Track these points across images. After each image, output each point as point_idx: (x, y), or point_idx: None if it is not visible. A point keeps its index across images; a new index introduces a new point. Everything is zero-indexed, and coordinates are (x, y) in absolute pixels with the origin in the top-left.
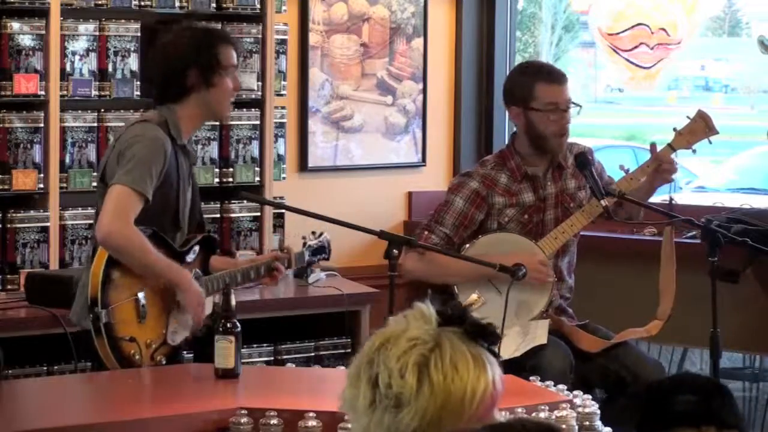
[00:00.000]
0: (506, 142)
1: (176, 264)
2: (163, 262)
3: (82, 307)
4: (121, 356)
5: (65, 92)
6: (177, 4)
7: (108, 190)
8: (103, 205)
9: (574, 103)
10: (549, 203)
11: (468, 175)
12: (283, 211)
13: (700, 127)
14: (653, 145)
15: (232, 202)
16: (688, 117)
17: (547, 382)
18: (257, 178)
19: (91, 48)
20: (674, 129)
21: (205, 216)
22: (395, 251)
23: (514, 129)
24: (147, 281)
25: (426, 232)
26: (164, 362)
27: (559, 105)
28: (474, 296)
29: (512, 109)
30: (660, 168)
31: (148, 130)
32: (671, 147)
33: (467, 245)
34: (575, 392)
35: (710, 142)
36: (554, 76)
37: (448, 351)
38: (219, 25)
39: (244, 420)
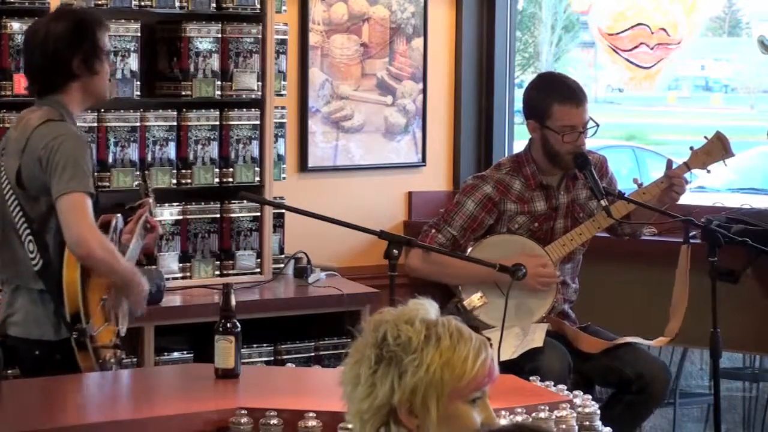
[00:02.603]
0: (506, 142)
1: (128, 262)
2: (126, 264)
3: (41, 319)
4: (100, 365)
5: None
6: (177, 4)
7: (63, 202)
8: (64, 218)
9: (592, 119)
10: (560, 212)
11: (482, 179)
12: (283, 211)
13: (717, 149)
14: (669, 161)
15: (232, 202)
16: (705, 137)
17: (547, 382)
18: (257, 178)
19: None
20: (691, 148)
21: (205, 216)
22: (395, 251)
23: (530, 136)
24: (104, 282)
25: (434, 231)
26: (124, 357)
27: (576, 127)
28: (476, 296)
29: (529, 122)
30: (671, 186)
31: (61, 128)
32: (687, 166)
33: (471, 246)
34: (575, 392)
35: (725, 165)
36: (572, 97)
37: (453, 320)
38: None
39: (244, 420)
